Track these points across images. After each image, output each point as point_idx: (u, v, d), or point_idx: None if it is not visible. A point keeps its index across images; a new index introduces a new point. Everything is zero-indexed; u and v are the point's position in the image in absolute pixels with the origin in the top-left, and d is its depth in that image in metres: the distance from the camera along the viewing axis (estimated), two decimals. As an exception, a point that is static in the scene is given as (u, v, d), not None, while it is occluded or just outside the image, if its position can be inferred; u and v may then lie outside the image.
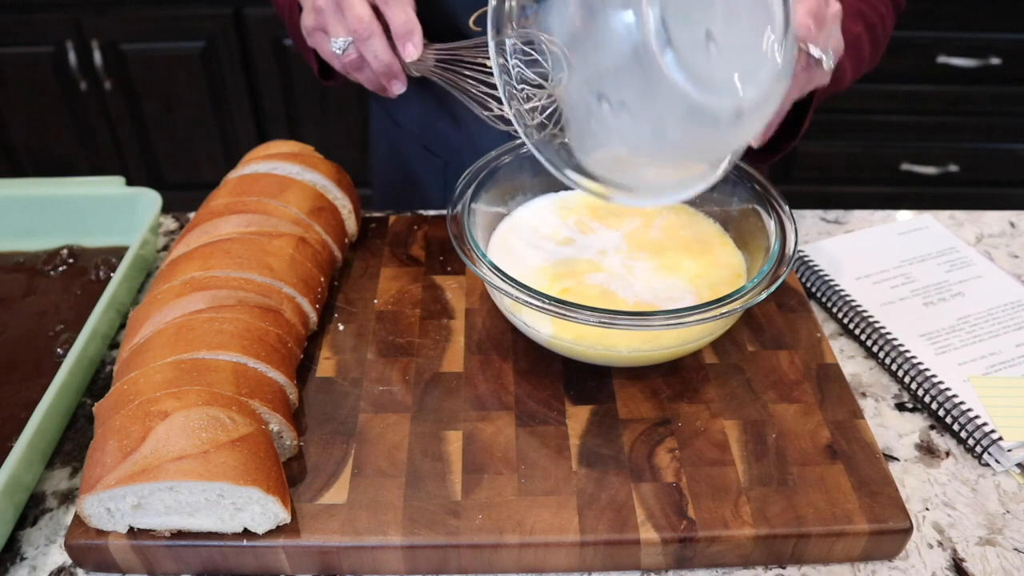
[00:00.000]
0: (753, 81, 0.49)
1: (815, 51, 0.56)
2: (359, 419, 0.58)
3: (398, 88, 0.66)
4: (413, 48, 0.62)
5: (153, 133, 1.93)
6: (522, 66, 0.56)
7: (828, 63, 0.58)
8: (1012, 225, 0.82)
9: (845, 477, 0.53)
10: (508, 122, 0.61)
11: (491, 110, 0.64)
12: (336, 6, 0.63)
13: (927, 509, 0.55)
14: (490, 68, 0.58)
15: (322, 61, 0.75)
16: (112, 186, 0.75)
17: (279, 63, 1.84)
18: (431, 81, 0.66)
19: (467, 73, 0.64)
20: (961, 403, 0.60)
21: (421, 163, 0.91)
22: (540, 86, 0.55)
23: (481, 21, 0.68)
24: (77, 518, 0.50)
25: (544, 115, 0.56)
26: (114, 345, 0.68)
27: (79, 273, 0.72)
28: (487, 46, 0.58)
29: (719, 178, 0.58)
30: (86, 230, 0.75)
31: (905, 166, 1.94)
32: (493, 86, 0.60)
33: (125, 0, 1.73)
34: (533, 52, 0.55)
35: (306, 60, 0.78)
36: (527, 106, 0.56)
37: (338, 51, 0.64)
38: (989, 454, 0.58)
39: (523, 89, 0.56)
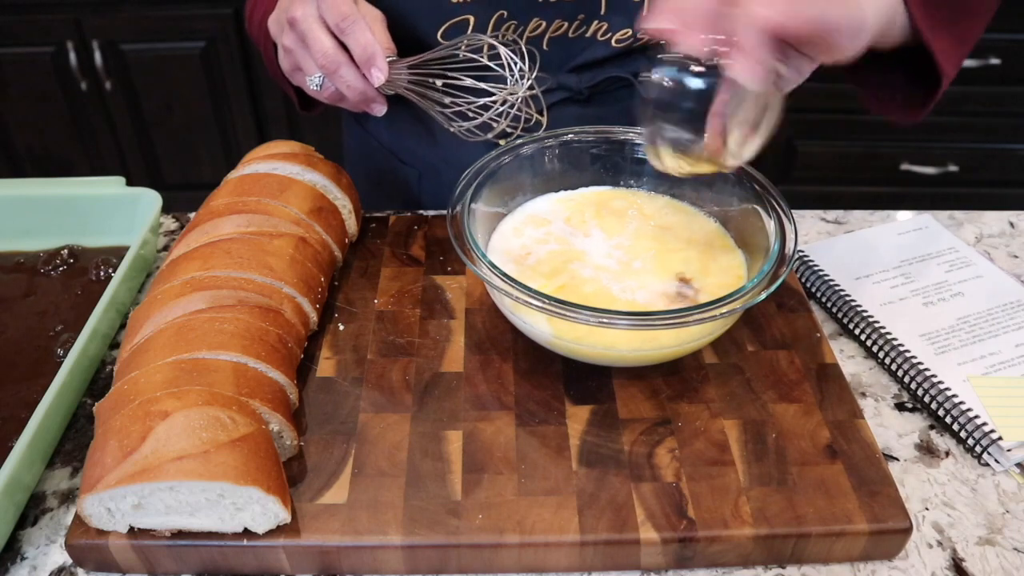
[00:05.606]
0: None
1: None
2: (359, 419, 0.58)
3: (378, 110, 0.68)
4: (378, 72, 0.63)
5: (153, 133, 1.93)
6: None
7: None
8: (1012, 225, 0.82)
9: (845, 477, 0.53)
10: (475, 133, 0.67)
11: (457, 122, 0.67)
12: (302, 44, 0.64)
13: (927, 509, 0.55)
14: (457, 78, 0.64)
15: (301, 93, 0.77)
16: (112, 186, 0.75)
17: (279, 63, 1.84)
18: (405, 99, 0.68)
19: (437, 84, 0.66)
20: (961, 403, 0.60)
21: (394, 174, 0.91)
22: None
23: (448, 35, 0.71)
24: (77, 518, 0.51)
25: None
26: (114, 345, 0.68)
27: (79, 273, 0.72)
28: (455, 56, 0.64)
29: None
30: (86, 230, 0.75)
31: (905, 166, 1.94)
32: (461, 94, 0.66)
33: (125, 0, 1.74)
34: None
35: (287, 93, 0.79)
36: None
37: (316, 87, 0.66)
38: (989, 454, 0.58)
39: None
